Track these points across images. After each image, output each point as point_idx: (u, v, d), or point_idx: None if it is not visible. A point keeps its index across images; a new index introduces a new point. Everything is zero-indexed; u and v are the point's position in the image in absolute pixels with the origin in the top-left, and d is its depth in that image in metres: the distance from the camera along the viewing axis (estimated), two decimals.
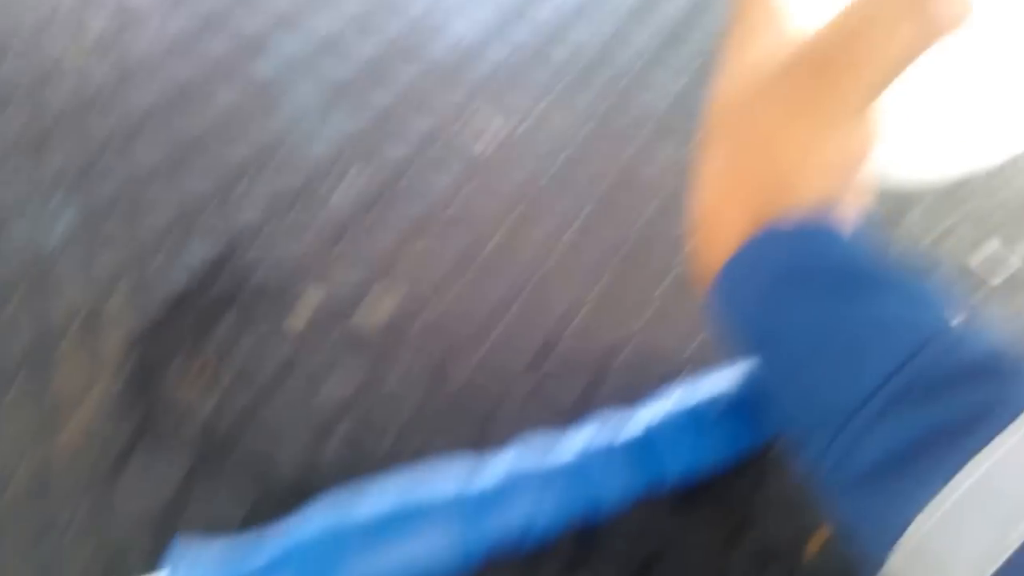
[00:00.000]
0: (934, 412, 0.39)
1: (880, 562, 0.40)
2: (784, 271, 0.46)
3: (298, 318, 0.72)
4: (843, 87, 0.42)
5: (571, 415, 0.70)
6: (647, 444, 0.61)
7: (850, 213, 0.49)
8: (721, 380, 0.65)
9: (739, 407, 0.63)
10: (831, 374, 0.43)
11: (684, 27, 1.07)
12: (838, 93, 0.42)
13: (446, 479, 0.57)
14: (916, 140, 0.47)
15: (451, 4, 0.99)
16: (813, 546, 0.64)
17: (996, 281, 0.97)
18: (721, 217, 0.49)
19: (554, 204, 0.86)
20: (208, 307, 0.72)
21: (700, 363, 0.75)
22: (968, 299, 0.95)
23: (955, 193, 0.89)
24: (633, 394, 0.70)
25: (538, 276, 0.80)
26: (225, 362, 0.69)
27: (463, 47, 0.95)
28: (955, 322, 0.43)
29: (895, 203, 0.88)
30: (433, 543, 0.54)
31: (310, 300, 0.74)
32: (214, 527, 0.61)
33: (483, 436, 0.68)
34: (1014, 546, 0.36)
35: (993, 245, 1.01)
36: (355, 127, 0.85)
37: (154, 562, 0.59)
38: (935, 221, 0.92)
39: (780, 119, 0.45)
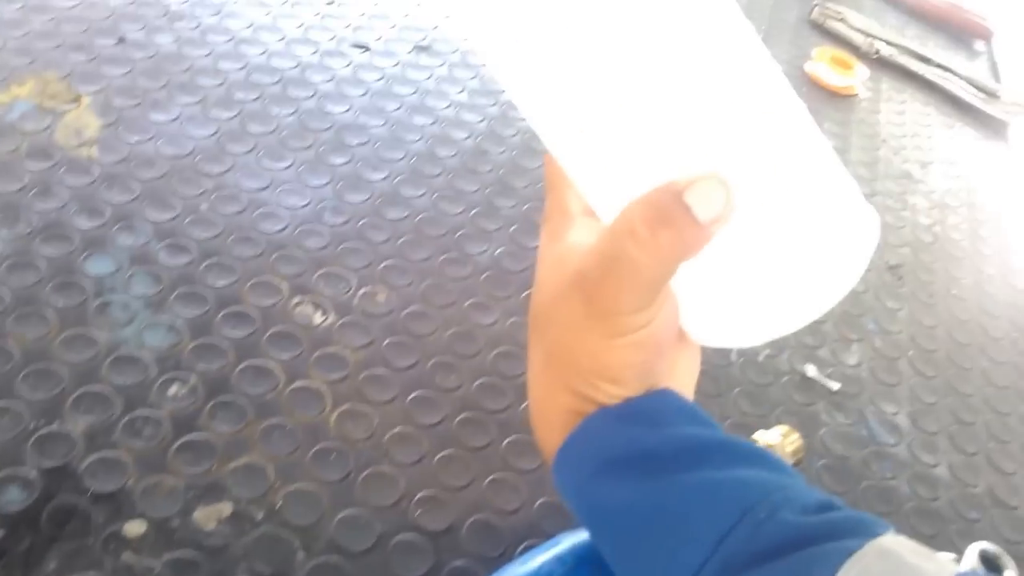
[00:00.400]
0: None
1: None
2: (603, 459, 0.48)
3: (127, 543, 0.72)
4: (619, 300, 0.44)
5: None
6: None
7: (678, 382, 0.51)
8: (570, 537, 0.67)
9: (587, 563, 0.64)
10: (660, 553, 0.45)
11: (512, 175, 1.12)
12: (614, 305, 0.45)
13: None
14: (724, 309, 0.49)
15: (285, 181, 1.02)
16: None
17: (836, 387, 1.01)
18: (546, 409, 0.51)
19: (398, 364, 0.88)
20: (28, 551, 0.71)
21: (549, 520, 0.77)
22: (811, 407, 0.98)
23: None
24: (482, 558, 0.71)
25: (385, 441, 0.81)
26: None
27: (298, 220, 0.98)
28: (777, 481, 0.45)
29: None
30: None
31: (138, 524, 0.73)
32: None
33: None
34: None
35: (824, 354, 1.06)
36: (194, 313, 0.86)
37: None
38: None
39: (575, 330, 0.47)
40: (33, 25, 1.11)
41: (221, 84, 1.11)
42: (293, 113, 1.10)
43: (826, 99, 1.48)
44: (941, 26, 1.88)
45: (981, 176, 1.48)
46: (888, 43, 1.65)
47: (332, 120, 1.11)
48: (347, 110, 1.13)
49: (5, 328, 0.82)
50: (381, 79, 1.20)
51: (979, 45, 1.90)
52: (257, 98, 1.11)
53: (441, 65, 1.26)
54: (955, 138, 1.53)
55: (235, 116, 1.07)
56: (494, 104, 1.21)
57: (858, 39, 1.64)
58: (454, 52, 1.29)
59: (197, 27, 1.18)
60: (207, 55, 1.14)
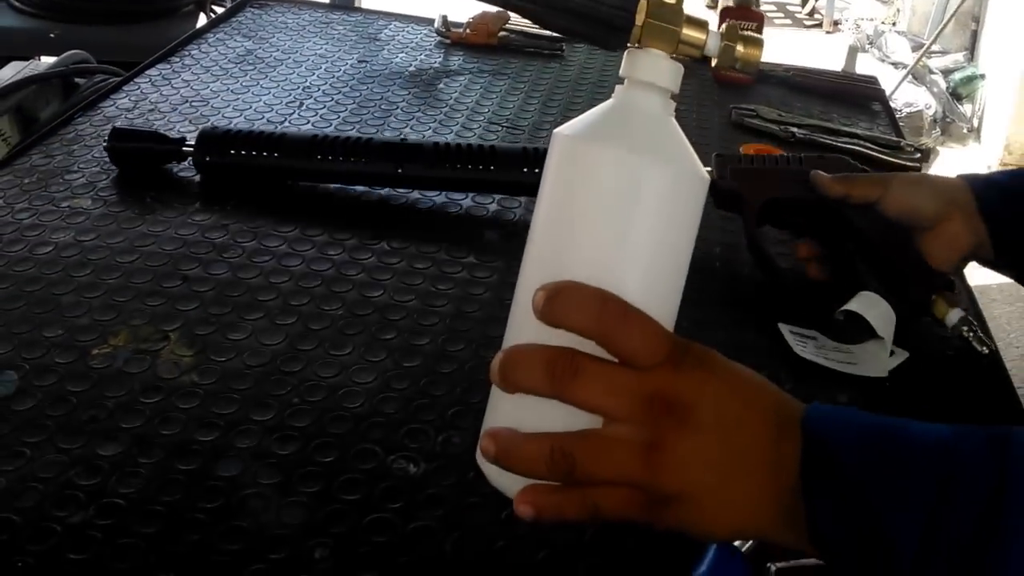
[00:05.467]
0: None
1: None
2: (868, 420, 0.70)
3: None
4: None
5: None
6: None
7: None
8: None
9: None
10: None
11: None
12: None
13: None
14: None
15: (353, 363, 1.23)
16: None
17: None
18: (750, 463, 0.69)
19: None
20: None
21: None
22: None
23: None
24: None
25: None
26: None
27: (371, 393, 1.18)
28: None
29: None
30: None
31: None
32: None
33: None
34: None
35: None
36: (315, 488, 1.05)
37: None
38: None
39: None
40: (108, 284, 1.33)
41: (276, 298, 1.33)
42: (340, 306, 1.32)
43: None
44: (839, 98, 2.16)
45: None
46: (799, 126, 1.91)
47: (372, 305, 1.33)
48: (382, 293, 1.35)
49: None
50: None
51: (876, 105, 2.17)
52: (308, 301, 1.32)
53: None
54: None
55: (296, 321, 1.29)
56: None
57: (774, 128, 1.90)
58: None
59: (242, 254, 1.41)
60: (256, 276, 1.36)
